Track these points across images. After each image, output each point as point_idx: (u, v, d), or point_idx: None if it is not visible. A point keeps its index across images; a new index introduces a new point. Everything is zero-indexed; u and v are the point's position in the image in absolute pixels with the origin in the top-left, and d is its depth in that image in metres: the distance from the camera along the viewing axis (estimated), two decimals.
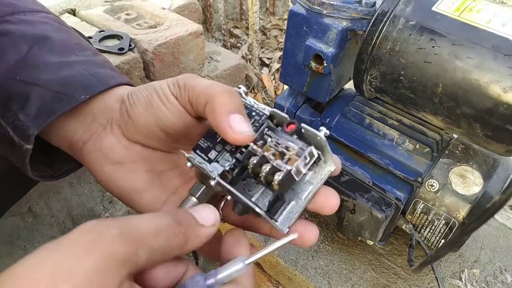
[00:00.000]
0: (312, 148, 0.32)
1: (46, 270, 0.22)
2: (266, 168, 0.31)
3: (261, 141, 0.33)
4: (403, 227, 0.53)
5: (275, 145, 0.33)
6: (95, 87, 0.37)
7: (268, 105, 1.19)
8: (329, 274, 0.56)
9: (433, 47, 0.41)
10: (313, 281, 0.56)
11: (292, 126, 0.33)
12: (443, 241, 0.51)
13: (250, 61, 1.31)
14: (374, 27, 0.44)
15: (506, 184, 0.47)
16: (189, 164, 0.35)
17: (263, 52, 1.39)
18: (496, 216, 0.90)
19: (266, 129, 0.34)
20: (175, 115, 0.35)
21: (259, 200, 0.34)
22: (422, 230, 0.52)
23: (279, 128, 0.34)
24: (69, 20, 0.93)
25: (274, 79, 1.27)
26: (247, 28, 1.38)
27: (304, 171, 0.31)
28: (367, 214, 0.50)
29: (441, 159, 0.50)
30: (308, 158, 0.32)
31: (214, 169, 0.33)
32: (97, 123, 0.38)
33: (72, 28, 0.46)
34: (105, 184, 0.38)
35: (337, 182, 0.52)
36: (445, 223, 0.49)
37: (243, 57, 1.32)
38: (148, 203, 0.37)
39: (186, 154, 0.34)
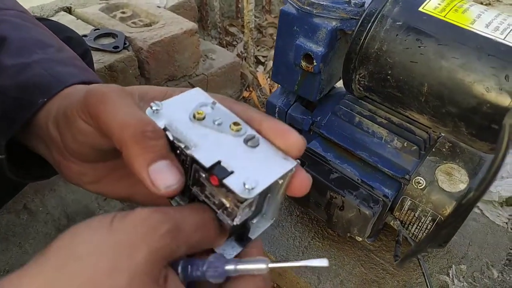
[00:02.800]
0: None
1: (105, 256, 0.23)
2: (204, 181, 0.28)
3: (198, 186, 0.29)
4: (391, 223, 0.54)
5: (209, 196, 0.29)
6: (54, 88, 0.33)
7: (262, 103, 1.20)
8: (318, 269, 0.57)
9: (419, 47, 0.42)
10: (303, 277, 0.57)
11: (215, 180, 0.27)
12: None
13: (245, 59, 1.31)
14: (362, 27, 0.45)
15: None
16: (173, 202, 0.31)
17: (258, 50, 1.39)
18: (486, 213, 0.92)
19: (196, 172, 0.28)
20: (99, 140, 0.30)
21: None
22: (410, 226, 0.53)
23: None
24: (64, 18, 0.93)
25: (269, 77, 1.27)
26: (242, 26, 1.39)
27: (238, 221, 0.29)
28: (356, 210, 0.51)
29: (428, 157, 0.51)
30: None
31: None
32: (55, 151, 0.34)
33: (38, 21, 0.43)
34: (97, 193, 0.36)
35: (327, 179, 0.53)
36: (432, 220, 0.50)
37: (238, 55, 1.32)
38: (148, 195, 0.34)
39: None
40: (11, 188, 0.54)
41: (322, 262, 0.27)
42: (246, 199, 0.25)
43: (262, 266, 0.28)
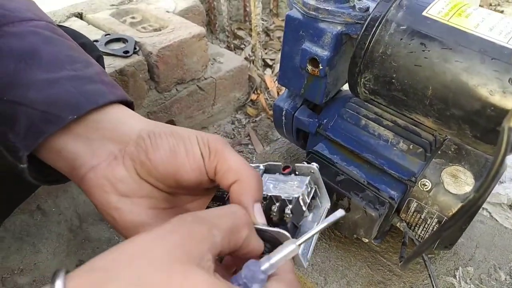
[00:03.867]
0: (309, 178, 0.37)
1: (147, 240, 0.26)
2: (275, 207, 0.35)
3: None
4: (398, 225, 0.54)
5: (276, 182, 0.38)
6: (82, 106, 0.35)
7: (270, 106, 1.21)
8: (325, 270, 0.58)
9: (423, 50, 0.43)
10: (309, 277, 0.57)
11: (288, 169, 0.38)
12: None
13: (253, 62, 1.32)
14: (367, 32, 0.46)
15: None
16: None
17: (266, 53, 1.40)
18: (495, 216, 0.91)
19: (266, 178, 0.39)
20: (196, 173, 0.36)
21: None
22: (416, 228, 0.53)
23: (276, 173, 0.40)
24: (76, 24, 0.95)
25: (277, 80, 1.28)
26: (250, 29, 1.40)
27: (308, 200, 0.36)
28: (362, 212, 0.51)
29: (434, 159, 0.51)
30: (309, 188, 0.36)
31: None
32: (107, 149, 0.36)
33: (64, 32, 0.44)
34: (106, 212, 0.37)
35: (333, 181, 0.53)
36: (438, 222, 0.50)
37: (246, 58, 1.34)
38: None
39: None
40: (26, 189, 0.56)
41: (339, 213, 0.31)
42: (315, 170, 0.37)
43: (292, 247, 0.30)
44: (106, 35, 0.86)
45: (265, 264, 0.30)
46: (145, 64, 0.85)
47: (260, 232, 0.34)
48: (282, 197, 0.36)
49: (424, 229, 0.52)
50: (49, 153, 0.37)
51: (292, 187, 0.37)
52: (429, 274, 0.51)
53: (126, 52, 0.81)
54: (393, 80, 0.46)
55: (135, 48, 0.83)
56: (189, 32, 0.90)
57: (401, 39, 0.44)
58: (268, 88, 1.25)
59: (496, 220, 0.86)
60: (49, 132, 0.34)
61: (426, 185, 0.50)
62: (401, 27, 0.44)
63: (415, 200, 0.51)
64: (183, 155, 0.35)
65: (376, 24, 0.45)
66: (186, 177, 0.36)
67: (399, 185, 0.53)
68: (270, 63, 1.35)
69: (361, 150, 0.55)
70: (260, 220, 0.34)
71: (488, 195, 0.43)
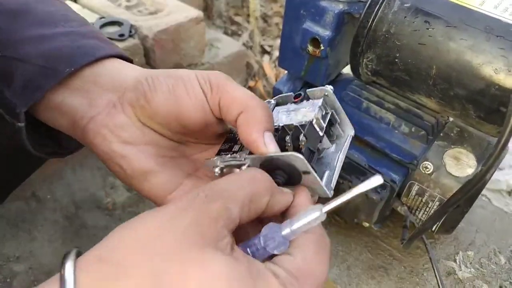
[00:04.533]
0: (322, 101, 0.34)
1: (154, 224, 0.25)
2: (288, 138, 0.33)
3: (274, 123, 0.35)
4: (399, 209, 0.54)
5: (287, 112, 0.35)
6: (80, 59, 0.35)
7: (268, 93, 1.19)
8: None
9: (428, 29, 0.42)
10: None
11: (299, 97, 0.36)
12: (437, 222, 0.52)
13: (251, 48, 1.31)
14: (370, 9, 0.44)
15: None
16: (217, 170, 0.35)
17: (264, 39, 1.38)
18: (494, 202, 0.91)
19: (278, 110, 0.37)
20: (199, 112, 0.34)
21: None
22: (417, 212, 0.53)
23: (288, 103, 0.38)
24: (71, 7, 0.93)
25: (275, 66, 1.27)
26: (248, 15, 1.38)
27: (324, 123, 0.33)
28: (363, 196, 0.50)
29: (436, 142, 0.51)
30: (323, 111, 0.33)
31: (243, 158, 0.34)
32: (105, 98, 0.36)
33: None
34: (112, 162, 0.36)
35: None
36: (439, 205, 0.50)
37: (244, 44, 1.32)
38: (161, 184, 0.36)
39: (209, 159, 0.36)
40: (20, 172, 0.55)
41: (377, 180, 0.27)
42: (330, 92, 0.35)
43: (316, 214, 0.27)
44: (101, 18, 0.85)
45: (286, 229, 0.28)
46: (141, 48, 0.84)
47: (273, 160, 0.32)
48: (294, 124, 0.33)
49: (425, 212, 0.52)
50: (48, 110, 0.37)
51: (304, 113, 0.34)
52: (429, 258, 0.50)
53: (122, 35, 0.80)
54: (396, 60, 0.44)
55: (130, 32, 0.82)
56: (185, 15, 0.88)
57: (405, 17, 0.43)
58: (266, 75, 1.24)
59: (494, 204, 0.86)
60: (47, 86, 0.34)
61: (427, 168, 0.49)
62: (405, 5, 0.43)
63: (416, 183, 0.51)
64: (184, 94, 0.34)
65: (380, 2, 0.44)
66: (189, 118, 0.34)
67: (401, 168, 0.52)
68: (268, 49, 1.34)
69: (362, 134, 0.54)
70: (272, 149, 0.32)
71: (495, 170, 0.43)
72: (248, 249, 0.28)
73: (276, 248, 0.27)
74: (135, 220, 0.25)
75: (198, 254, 0.23)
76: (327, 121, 0.35)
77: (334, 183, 0.34)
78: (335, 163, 0.33)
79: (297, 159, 0.30)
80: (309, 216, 0.27)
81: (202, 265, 0.23)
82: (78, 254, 0.24)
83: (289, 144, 0.33)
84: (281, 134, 0.34)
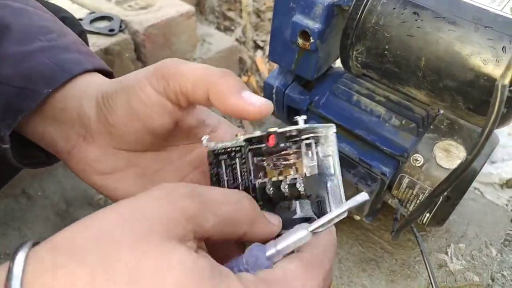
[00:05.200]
0: (304, 142, 0.29)
1: (119, 213, 0.23)
2: (284, 187, 0.30)
3: (260, 172, 0.31)
4: (389, 202, 0.54)
5: (274, 165, 0.31)
6: (58, 78, 0.34)
7: (261, 88, 1.19)
8: None
9: (416, 20, 0.41)
10: None
11: (272, 138, 0.30)
12: (428, 214, 0.52)
13: (244, 43, 1.30)
14: (359, 1, 0.44)
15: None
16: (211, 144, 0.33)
17: (257, 34, 1.38)
18: (487, 195, 0.92)
19: (254, 158, 0.32)
20: (162, 114, 0.32)
21: (302, 208, 0.31)
22: (408, 204, 0.53)
23: (263, 145, 0.31)
24: (60, 2, 0.92)
25: (268, 61, 1.26)
26: (241, 10, 1.38)
27: (314, 162, 0.29)
28: (353, 189, 0.50)
29: (426, 134, 0.51)
30: (310, 153, 0.29)
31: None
32: (75, 131, 0.34)
33: (38, 3, 0.42)
34: (99, 191, 0.36)
35: None
36: None
37: (237, 39, 1.31)
38: None
39: (206, 143, 0.33)
40: (10, 170, 0.54)
41: (363, 197, 0.26)
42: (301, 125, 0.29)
43: (303, 233, 0.26)
44: (91, 13, 0.84)
45: (271, 250, 0.26)
46: (132, 43, 0.83)
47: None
48: (287, 182, 0.29)
49: (416, 205, 0.52)
50: (31, 134, 0.36)
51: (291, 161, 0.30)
52: (421, 250, 0.50)
53: (112, 30, 0.79)
54: (386, 52, 0.44)
55: (120, 26, 0.81)
56: (176, 10, 0.87)
57: (394, 8, 0.43)
58: (259, 70, 1.23)
59: (486, 197, 0.87)
60: (28, 108, 0.33)
61: (418, 160, 0.49)
62: None
63: (407, 175, 0.51)
64: (140, 104, 0.31)
65: None
66: (157, 125, 0.32)
67: (391, 161, 0.52)
68: (261, 44, 1.33)
69: (353, 127, 0.54)
70: (261, 101, 0.29)
71: (485, 161, 0.42)
72: (232, 268, 0.26)
73: (260, 269, 0.26)
74: (106, 208, 0.24)
75: (160, 243, 0.22)
76: (314, 156, 0.30)
77: (343, 195, 0.32)
78: (333, 171, 0.30)
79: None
80: (295, 236, 0.26)
81: (161, 253, 0.22)
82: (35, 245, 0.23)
83: (288, 194, 0.30)
84: (274, 186, 0.30)
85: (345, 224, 0.61)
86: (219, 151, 0.33)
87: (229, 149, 0.32)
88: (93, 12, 0.85)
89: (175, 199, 0.24)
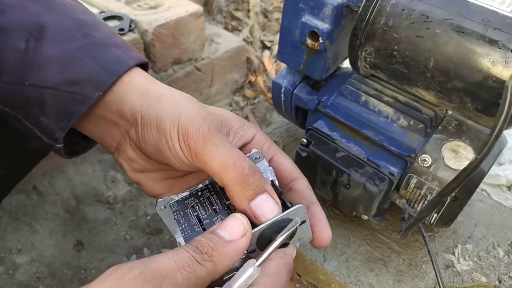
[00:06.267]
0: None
1: None
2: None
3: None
4: (397, 202, 0.54)
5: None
6: (105, 81, 0.35)
7: (268, 88, 1.19)
8: (324, 248, 0.58)
9: (425, 21, 0.42)
10: (308, 255, 0.57)
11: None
12: (435, 215, 0.52)
13: (251, 43, 1.31)
14: (368, 2, 0.45)
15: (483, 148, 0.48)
16: (161, 207, 0.38)
17: (264, 35, 1.38)
18: (494, 197, 0.91)
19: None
20: (185, 165, 0.35)
21: None
22: (416, 205, 0.53)
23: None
24: None
25: (275, 61, 1.27)
26: (248, 10, 1.38)
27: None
28: (361, 188, 0.51)
29: (434, 135, 0.51)
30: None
31: None
32: (119, 131, 0.38)
33: None
34: (134, 179, 0.40)
35: (333, 158, 0.53)
36: None
37: (244, 39, 1.32)
38: None
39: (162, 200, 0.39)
40: (20, 168, 0.55)
41: (295, 224, 0.30)
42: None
43: (250, 270, 0.28)
44: (100, 12, 0.85)
45: None
46: (141, 43, 0.84)
47: (273, 225, 0.32)
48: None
49: (423, 205, 0.52)
50: (79, 129, 0.39)
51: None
52: (428, 251, 0.51)
53: (122, 29, 0.80)
54: (394, 53, 0.45)
55: (130, 26, 0.82)
56: (185, 10, 0.88)
57: (403, 9, 0.43)
58: (266, 70, 1.24)
59: (493, 199, 0.86)
60: (80, 112, 0.35)
61: (426, 161, 0.50)
62: None
63: (415, 176, 0.51)
64: (167, 152, 0.34)
65: None
66: (178, 167, 0.35)
67: (399, 161, 0.52)
68: (269, 44, 1.34)
69: (361, 127, 0.55)
70: (264, 218, 0.31)
71: (493, 162, 0.43)
72: None
73: None
74: None
75: None
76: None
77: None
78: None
79: (301, 210, 0.32)
80: (244, 275, 0.28)
81: None
82: None
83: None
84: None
85: (352, 224, 0.61)
86: (183, 198, 0.38)
87: (194, 192, 0.38)
88: (103, 12, 0.86)
89: (127, 285, 0.24)
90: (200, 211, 0.36)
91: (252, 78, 1.21)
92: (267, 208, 0.32)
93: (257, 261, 0.29)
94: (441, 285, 0.47)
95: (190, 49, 0.95)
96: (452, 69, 0.41)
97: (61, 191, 0.80)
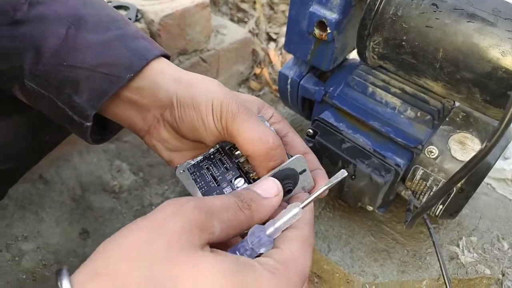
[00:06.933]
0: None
1: (143, 232, 0.26)
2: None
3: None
4: (403, 193, 0.54)
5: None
6: (136, 64, 0.39)
7: (274, 80, 1.19)
8: (329, 238, 0.58)
9: (435, 11, 0.42)
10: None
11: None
12: (441, 206, 0.52)
13: (257, 35, 1.30)
14: None
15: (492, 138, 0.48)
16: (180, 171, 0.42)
17: (270, 27, 1.38)
18: (499, 191, 0.91)
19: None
20: (217, 139, 0.39)
21: None
22: (421, 196, 0.53)
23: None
24: None
25: (281, 54, 1.26)
26: (254, 2, 1.37)
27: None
28: (367, 179, 0.51)
29: (441, 126, 0.51)
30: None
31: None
32: (152, 114, 0.41)
33: None
34: (166, 162, 0.44)
35: (339, 148, 0.53)
36: None
37: (250, 31, 1.31)
38: None
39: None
40: (29, 158, 0.56)
41: (342, 174, 0.33)
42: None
43: (295, 210, 0.31)
44: (108, 2, 0.85)
45: (270, 228, 0.31)
46: (147, 33, 0.84)
47: (277, 174, 0.36)
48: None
49: (429, 196, 0.52)
50: (109, 115, 0.42)
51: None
52: (433, 242, 0.51)
53: (129, 19, 0.80)
54: (403, 43, 0.44)
55: (137, 16, 0.82)
56: (191, 0, 0.88)
57: None
58: (272, 62, 1.24)
59: (498, 192, 0.86)
60: (112, 91, 0.38)
61: (432, 152, 0.50)
62: None
63: (421, 167, 0.51)
64: (202, 129, 0.38)
65: None
66: (209, 142, 0.39)
67: (406, 153, 0.52)
68: (274, 37, 1.33)
69: (367, 118, 0.54)
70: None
71: (499, 155, 0.42)
72: (237, 252, 0.30)
73: (262, 247, 0.30)
74: (124, 230, 0.27)
75: (189, 255, 0.25)
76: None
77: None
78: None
79: (300, 160, 0.36)
80: (289, 214, 0.31)
81: (194, 264, 0.25)
82: (70, 271, 0.25)
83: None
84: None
85: (357, 215, 0.61)
86: (198, 161, 0.42)
87: (207, 155, 0.42)
88: (110, 1, 0.85)
89: (186, 213, 0.27)
90: (213, 170, 0.41)
91: (258, 70, 1.21)
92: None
93: (302, 203, 0.32)
94: (445, 276, 0.47)
95: (196, 40, 0.95)
96: (461, 60, 0.41)
97: (67, 180, 0.81)
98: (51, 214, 0.75)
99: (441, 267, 0.49)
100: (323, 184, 0.34)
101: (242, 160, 0.41)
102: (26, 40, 0.37)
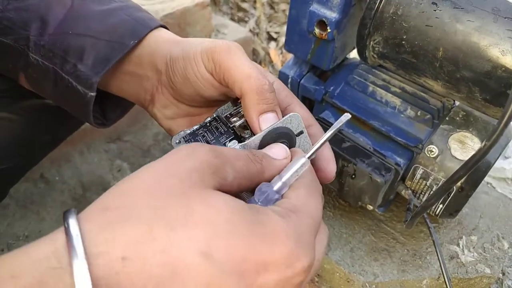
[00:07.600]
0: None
1: (155, 170, 0.26)
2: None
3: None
4: (403, 193, 0.54)
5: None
6: (140, 31, 0.40)
7: None
8: (329, 237, 0.58)
9: (435, 10, 0.42)
10: None
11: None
12: (441, 205, 0.52)
13: (257, 35, 1.30)
14: None
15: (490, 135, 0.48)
16: (177, 140, 0.40)
17: (270, 26, 1.38)
18: (499, 190, 0.91)
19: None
20: (210, 88, 0.38)
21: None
22: (421, 195, 0.53)
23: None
24: None
25: (281, 53, 1.26)
26: (255, 1, 1.38)
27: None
28: (367, 178, 0.51)
29: (441, 126, 0.51)
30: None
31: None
32: (151, 83, 0.42)
33: None
34: (166, 132, 0.45)
35: (339, 147, 0.53)
36: None
37: (250, 31, 1.31)
38: None
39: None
40: (31, 158, 0.56)
41: (345, 117, 0.32)
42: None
43: (301, 161, 0.30)
44: None
45: (278, 183, 0.30)
46: None
47: (271, 132, 0.34)
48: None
49: (429, 196, 0.52)
50: (111, 87, 0.43)
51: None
52: (433, 241, 0.51)
53: None
54: (403, 42, 0.44)
55: None
56: (191, 0, 0.88)
57: None
58: (272, 62, 1.24)
59: (498, 191, 0.86)
60: (116, 57, 0.39)
61: (432, 152, 0.50)
62: None
63: (421, 166, 0.51)
64: (193, 75, 0.38)
65: None
66: (205, 93, 0.39)
67: (406, 152, 0.52)
68: (275, 36, 1.33)
69: (367, 117, 0.55)
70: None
71: (499, 154, 0.43)
72: None
73: (270, 203, 0.29)
74: (136, 171, 0.27)
75: (200, 191, 0.25)
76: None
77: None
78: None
79: (295, 117, 0.35)
80: (296, 165, 0.30)
81: (205, 200, 0.24)
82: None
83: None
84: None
85: (357, 214, 0.61)
86: (194, 130, 0.40)
87: (203, 124, 0.40)
88: None
89: (200, 155, 0.27)
90: (208, 136, 0.39)
91: None
92: (268, 124, 0.35)
93: (307, 153, 0.31)
94: (445, 275, 0.48)
95: None
96: (461, 59, 0.41)
97: (68, 179, 0.81)
98: (52, 213, 0.75)
99: (441, 266, 0.49)
100: (328, 131, 0.32)
101: (237, 124, 0.39)
102: (32, 10, 0.38)
